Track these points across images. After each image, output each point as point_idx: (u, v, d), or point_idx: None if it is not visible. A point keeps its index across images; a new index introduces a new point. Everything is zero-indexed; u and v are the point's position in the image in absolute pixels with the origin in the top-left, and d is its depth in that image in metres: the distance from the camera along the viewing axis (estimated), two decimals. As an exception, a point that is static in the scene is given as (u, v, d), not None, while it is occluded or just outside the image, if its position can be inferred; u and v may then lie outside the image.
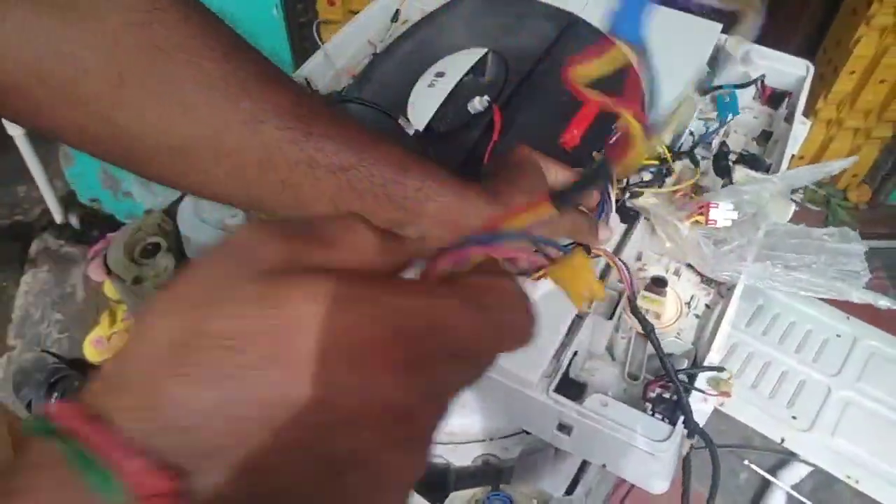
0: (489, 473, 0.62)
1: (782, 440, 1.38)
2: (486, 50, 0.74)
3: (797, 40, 1.55)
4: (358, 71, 0.79)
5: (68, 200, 1.66)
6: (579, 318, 0.56)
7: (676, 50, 0.75)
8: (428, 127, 0.67)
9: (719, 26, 0.78)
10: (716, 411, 1.42)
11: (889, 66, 1.43)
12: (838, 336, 1.55)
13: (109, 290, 1.44)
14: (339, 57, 0.81)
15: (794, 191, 1.75)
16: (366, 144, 0.41)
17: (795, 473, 1.35)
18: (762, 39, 1.63)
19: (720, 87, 0.74)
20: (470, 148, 0.65)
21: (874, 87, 1.47)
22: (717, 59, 0.77)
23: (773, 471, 1.36)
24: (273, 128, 0.38)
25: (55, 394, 1.36)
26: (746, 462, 1.37)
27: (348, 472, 0.21)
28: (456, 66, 0.72)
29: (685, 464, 0.56)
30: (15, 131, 1.41)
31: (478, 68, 0.74)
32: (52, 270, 1.63)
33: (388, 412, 0.21)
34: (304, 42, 1.32)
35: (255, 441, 0.20)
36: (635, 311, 0.55)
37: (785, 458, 1.37)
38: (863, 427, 1.39)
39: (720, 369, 0.54)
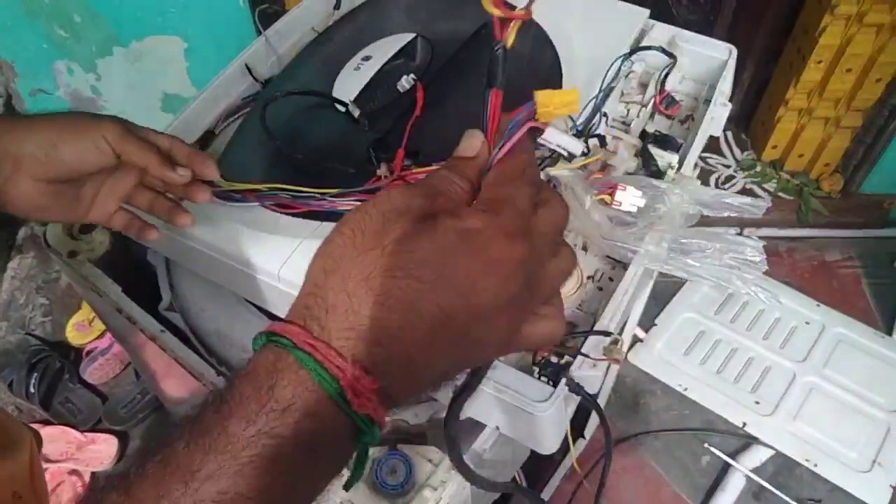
0: (400, 438, 0.65)
1: (744, 424, 1.40)
2: (413, 35, 0.77)
3: (766, 30, 1.56)
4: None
5: (54, 189, 1.70)
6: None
7: (600, 34, 0.78)
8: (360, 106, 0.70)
9: (646, 12, 0.80)
10: (679, 395, 1.45)
11: (855, 55, 1.44)
12: (807, 323, 1.56)
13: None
14: (281, 44, 0.84)
15: (766, 180, 1.75)
16: None
17: (756, 457, 1.37)
18: (732, 29, 1.64)
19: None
20: (395, 121, 0.67)
21: (841, 76, 1.48)
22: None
23: (735, 455, 1.38)
24: None
25: (35, 374, 1.41)
26: (707, 446, 1.39)
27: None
28: (382, 50, 0.74)
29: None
30: None
31: (408, 53, 0.77)
32: (38, 256, 1.68)
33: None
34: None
35: (424, 346, 0.30)
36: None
37: (748, 441, 1.39)
38: (824, 412, 1.40)
39: (607, 334, 0.56)
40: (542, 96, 0.37)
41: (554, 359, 0.56)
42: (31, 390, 1.38)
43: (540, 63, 0.75)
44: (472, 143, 0.37)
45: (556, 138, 0.42)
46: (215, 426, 0.28)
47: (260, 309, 0.67)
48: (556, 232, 0.36)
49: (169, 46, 1.35)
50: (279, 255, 0.59)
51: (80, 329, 1.55)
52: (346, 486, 0.34)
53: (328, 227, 0.62)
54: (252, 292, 0.64)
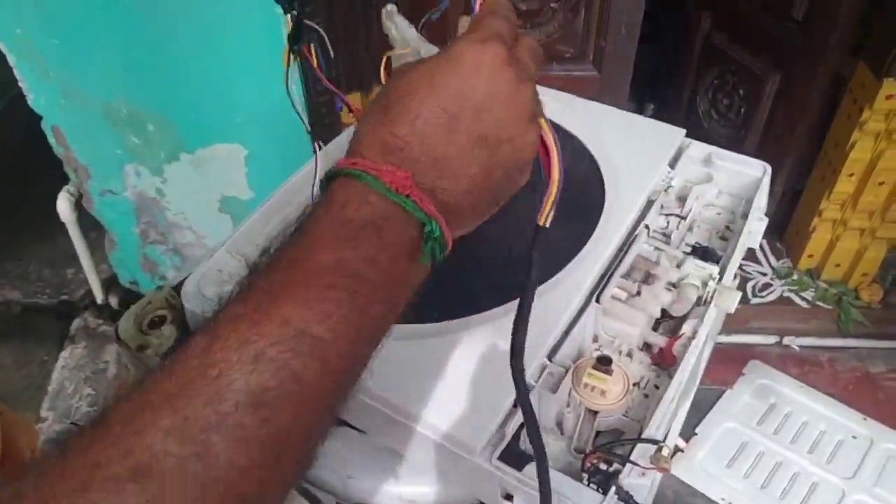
0: (447, 541, 0.65)
1: (793, 544, 1.34)
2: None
3: (795, 144, 1.62)
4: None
5: (110, 282, 1.78)
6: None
7: (640, 152, 0.83)
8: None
9: (682, 132, 0.86)
10: (724, 511, 1.39)
11: (886, 170, 1.48)
12: (854, 437, 1.52)
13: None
14: (339, 156, 0.91)
15: (803, 289, 1.75)
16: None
17: (808, 580, 1.30)
18: (763, 143, 1.70)
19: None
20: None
21: (874, 188, 1.51)
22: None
23: (785, 577, 1.31)
24: None
25: (77, 464, 1.43)
26: (755, 565, 1.33)
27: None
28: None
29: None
30: (67, 218, 1.55)
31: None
32: (89, 347, 1.74)
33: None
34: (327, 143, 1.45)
35: (444, 143, 0.37)
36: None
37: (797, 563, 1.32)
38: (878, 533, 1.34)
39: (654, 442, 0.57)
40: None
41: (603, 466, 0.57)
42: (72, 481, 1.39)
43: (584, 178, 0.80)
44: None
45: None
46: (303, 256, 0.35)
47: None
48: (534, 58, 0.42)
49: (231, 153, 1.45)
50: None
51: (123, 420, 1.57)
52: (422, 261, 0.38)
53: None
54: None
